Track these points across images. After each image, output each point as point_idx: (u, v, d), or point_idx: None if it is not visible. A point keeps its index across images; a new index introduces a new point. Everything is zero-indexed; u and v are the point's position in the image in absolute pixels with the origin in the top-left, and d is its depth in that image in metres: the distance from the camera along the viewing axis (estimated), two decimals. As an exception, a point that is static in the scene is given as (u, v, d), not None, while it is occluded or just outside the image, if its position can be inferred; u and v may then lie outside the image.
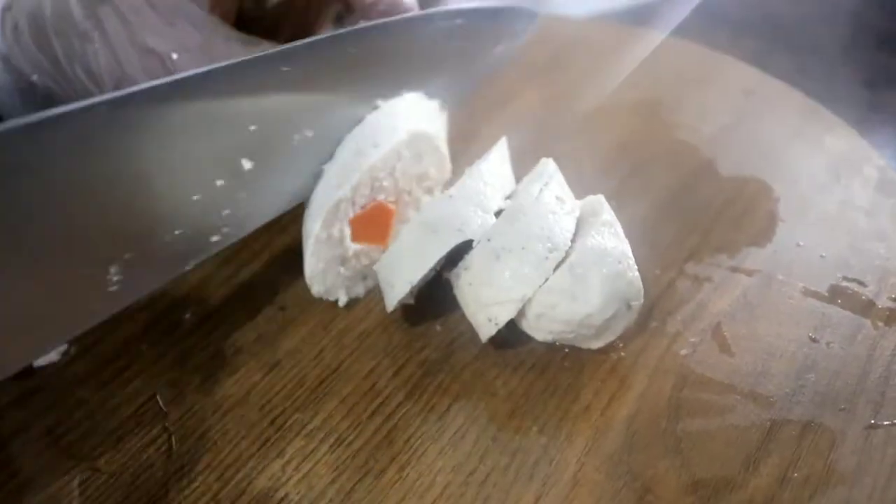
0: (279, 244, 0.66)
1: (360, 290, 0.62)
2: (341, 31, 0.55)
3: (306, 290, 0.60)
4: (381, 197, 0.59)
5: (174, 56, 0.56)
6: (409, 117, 0.60)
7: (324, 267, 0.58)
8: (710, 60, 0.88)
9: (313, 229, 0.56)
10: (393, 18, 0.59)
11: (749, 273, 0.63)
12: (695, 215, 0.68)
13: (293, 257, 0.61)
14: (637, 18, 0.96)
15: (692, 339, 0.58)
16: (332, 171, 0.58)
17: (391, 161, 0.58)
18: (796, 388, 0.55)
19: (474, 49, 0.66)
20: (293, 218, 0.60)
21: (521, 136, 0.67)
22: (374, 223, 0.60)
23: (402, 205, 0.61)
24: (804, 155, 0.75)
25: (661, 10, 0.99)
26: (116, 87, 0.56)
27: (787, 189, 0.71)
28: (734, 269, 0.63)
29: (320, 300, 0.61)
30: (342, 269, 0.59)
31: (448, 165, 0.63)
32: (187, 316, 0.61)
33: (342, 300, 0.60)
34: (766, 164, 0.74)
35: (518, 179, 0.61)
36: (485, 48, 0.67)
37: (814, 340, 0.58)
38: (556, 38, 0.90)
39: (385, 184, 0.59)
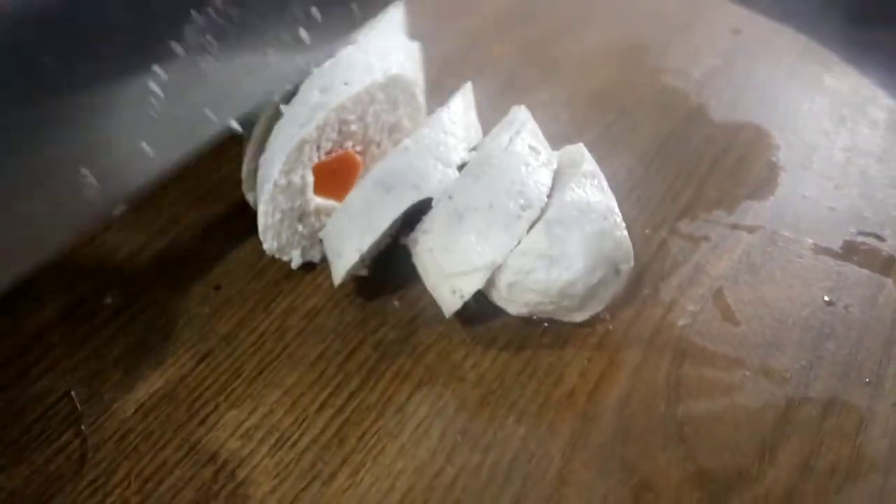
0: (213, 213, 0.58)
1: (315, 254, 0.54)
2: None
3: (244, 265, 0.53)
4: (348, 144, 0.52)
5: None
6: (387, 57, 0.53)
7: (280, 219, 0.51)
8: (694, 1, 0.80)
9: (271, 173, 0.49)
10: None
11: (750, 230, 0.56)
12: (686, 166, 0.61)
13: (229, 228, 0.54)
14: None
15: (690, 308, 0.51)
16: (295, 108, 0.51)
17: (363, 103, 0.52)
18: (813, 360, 0.48)
19: None
20: (230, 184, 0.53)
21: (490, 85, 0.59)
22: (338, 175, 0.53)
23: (368, 157, 0.54)
24: (802, 97, 0.68)
25: None
26: None
27: (786, 135, 0.64)
28: (733, 226, 0.56)
29: (261, 275, 0.53)
30: (300, 227, 0.52)
31: (423, 118, 0.56)
32: (108, 301, 0.52)
33: (296, 261, 0.53)
34: (761, 108, 0.66)
35: (486, 131, 0.54)
36: None
37: (830, 304, 0.51)
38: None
39: (354, 128, 0.52)
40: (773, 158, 0.61)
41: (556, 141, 0.52)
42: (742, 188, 0.59)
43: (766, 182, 0.60)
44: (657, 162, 0.61)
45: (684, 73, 0.70)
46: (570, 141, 0.52)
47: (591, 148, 0.51)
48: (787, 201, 0.58)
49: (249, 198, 0.54)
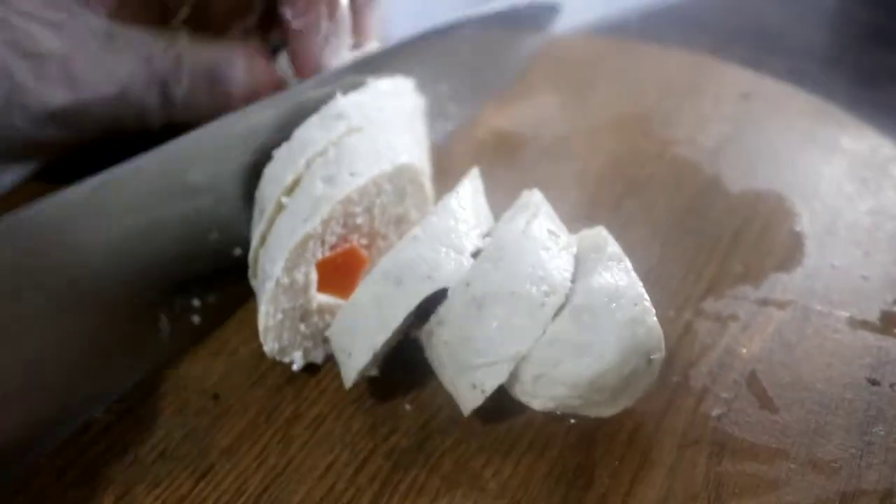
0: (207, 316, 0.54)
1: (318, 355, 0.51)
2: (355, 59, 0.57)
3: (243, 369, 0.49)
4: (353, 238, 0.49)
5: (69, 57, 0.53)
6: (394, 144, 0.51)
7: (282, 319, 0.48)
8: (697, 66, 0.78)
9: (274, 272, 0.46)
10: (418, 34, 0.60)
11: (780, 305, 0.52)
12: (707, 241, 0.58)
13: (226, 332, 0.50)
14: (608, 31, 0.89)
15: (724, 395, 0.47)
16: (298, 200, 0.48)
17: (370, 195, 0.49)
18: (863, 447, 0.44)
19: (501, 50, 0.72)
20: (225, 278, 0.50)
21: (493, 165, 0.56)
22: (343, 271, 0.50)
23: (374, 251, 0.51)
24: (820, 161, 0.65)
25: (632, 21, 0.94)
26: (6, 102, 0.53)
27: (808, 201, 0.61)
28: (762, 302, 0.53)
29: (262, 381, 0.49)
30: (302, 326, 0.49)
31: (431, 208, 0.53)
32: (98, 413, 0.48)
33: (297, 363, 0.50)
34: (778, 174, 0.64)
35: (497, 216, 0.51)
36: (510, 47, 0.73)
37: (874, 383, 0.47)
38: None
39: (359, 221, 0.49)
40: (797, 227, 0.58)
41: (567, 221, 0.49)
42: (767, 260, 0.56)
43: (791, 252, 0.56)
44: (675, 238, 0.58)
45: (694, 142, 0.67)
46: (582, 220, 0.49)
47: (604, 226, 0.48)
48: (816, 272, 0.55)
49: (254, 284, 0.51)
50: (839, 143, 0.66)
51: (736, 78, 0.76)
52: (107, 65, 0.54)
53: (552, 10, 0.73)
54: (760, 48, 0.94)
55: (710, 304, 0.53)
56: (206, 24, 0.61)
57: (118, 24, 0.55)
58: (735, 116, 0.70)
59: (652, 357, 0.42)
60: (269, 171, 0.51)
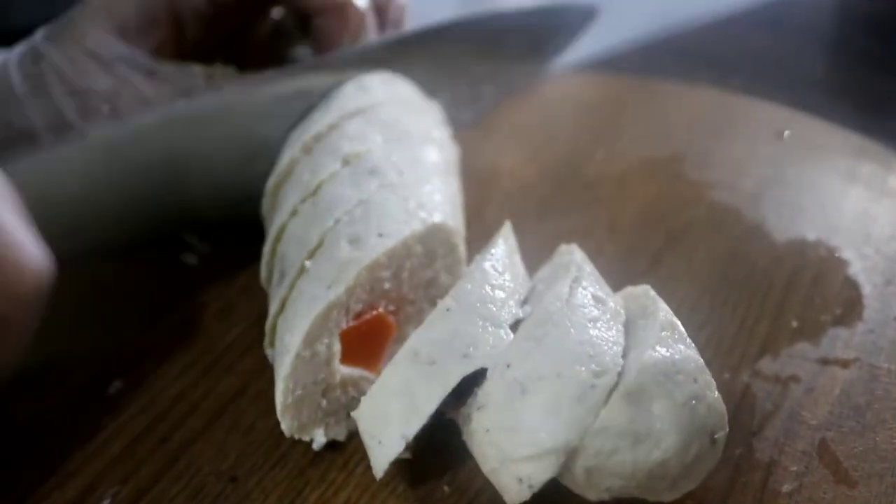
0: (224, 390, 0.50)
1: (341, 431, 0.47)
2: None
3: (262, 449, 0.45)
4: (380, 305, 0.45)
5: (116, 95, 0.56)
6: (426, 201, 0.47)
7: (301, 395, 0.44)
8: (725, 104, 0.74)
9: (293, 344, 0.42)
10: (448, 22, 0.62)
11: (844, 364, 0.48)
12: (757, 294, 0.54)
13: (243, 406, 0.46)
14: (608, 66, 0.87)
15: (794, 468, 0.43)
16: (321, 264, 0.44)
17: (399, 257, 0.45)
18: (952, 525, 0.39)
19: (533, 46, 0.73)
20: (238, 352, 0.47)
21: (521, 214, 0.52)
22: (369, 340, 0.46)
23: (402, 317, 0.48)
24: (867, 202, 0.61)
25: (631, 55, 0.94)
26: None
27: (859, 247, 0.57)
28: (823, 361, 0.49)
29: (283, 462, 0.45)
30: (323, 402, 0.45)
31: (462, 271, 0.50)
32: (105, 502, 0.44)
33: (318, 441, 0.46)
34: (824, 219, 0.60)
35: (530, 271, 0.47)
36: (541, 46, 0.74)
37: (954, 450, 0.43)
38: (534, 98, 0.77)
39: (387, 286, 0.45)
40: (852, 276, 0.54)
41: (603, 276, 0.45)
42: (824, 314, 0.52)
43: (849, 304, 0.52)
44: (723, 292, 0.54)
45: (732, 186, 0.64)
46: (618, 275, 0.45)
47: (643, 281, 0.44)
48: (878, 325, 0.51)
49: (269, 354, 0.47)
50: (885, 182, 0.63)
51: (770, 115, 0.72)
52: (149, 98, 0.56)
53: (589, 13, 0.73)
54: (762, 80, 0.92)
55: (767, 364, 0.49)
56: (243, 57, 0.64)
57: (160, 61, 0.58)
58: (772, 158, 0.67)
59: (716, 436, 0.38)
60: (292, 228, 0.47)
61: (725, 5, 1.21)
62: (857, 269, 0.55)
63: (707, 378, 0.38)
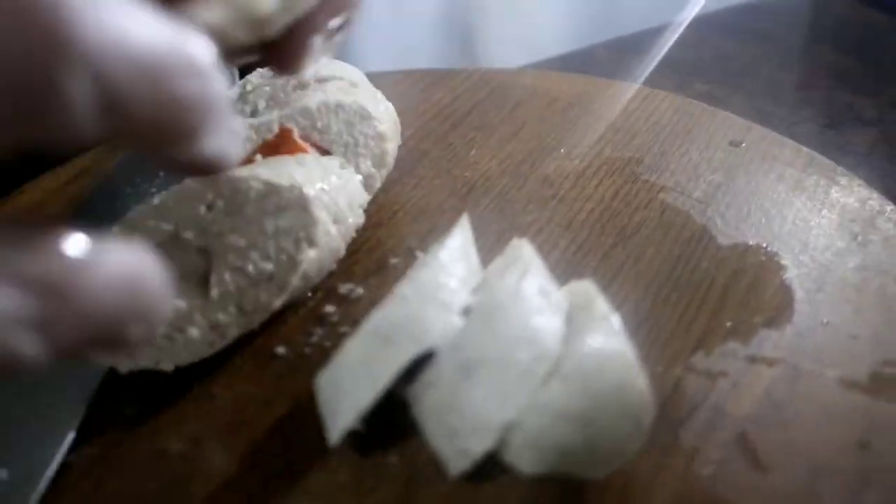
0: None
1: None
2: None
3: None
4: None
5: None
6: None
7: None
8: (688, 110, 0.78)
9: None
10: None
11: (770, 363, 0.52)
12: (697, 294, 0.57)
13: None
14: (573, 66, 0.90)
15: (714, 455, 0.47)
16: None
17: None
18: (854, 515, 0.43)
19: None
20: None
21: (478, 207, 0.56)
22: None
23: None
24: (810, 213, 0.65)
25: (598, 55, 0.95)
26: None
27: (797, 255, 0.61)
28: (752, 359, 0.52)
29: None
30: None
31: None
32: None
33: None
34: (767, 226, 0.63)
35: (483, 262, 0.50)
36: None
37: (863, 447, 0.47)
38: (503, 94, 0.80)
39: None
40: (787, 281, 0.58)
41: (555, 269, 0.48)
42: (757, 316, 0.55)
43: (781, 308, 0.56)
44: (665, 291, 0.57)
45: (684, 190, 0.67)
46: (570, 269, 0.49)
47: (593, 276, 0.47)
48: (806, 329, 0.54)
49: None
50: (829, 194, 0.66)
51: (725, 123, 0.76)
52: None
53: None
54: (725, 85, 0.95)
55: (699, 360, 0.52)
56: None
57: None
58: (725, 164, 0.70)
59: (642, 420, 0.41)
60: None
61: (694, 9, 1.23)
62: (792, 276, 0.59)
63: (637, 367, 0.41)
